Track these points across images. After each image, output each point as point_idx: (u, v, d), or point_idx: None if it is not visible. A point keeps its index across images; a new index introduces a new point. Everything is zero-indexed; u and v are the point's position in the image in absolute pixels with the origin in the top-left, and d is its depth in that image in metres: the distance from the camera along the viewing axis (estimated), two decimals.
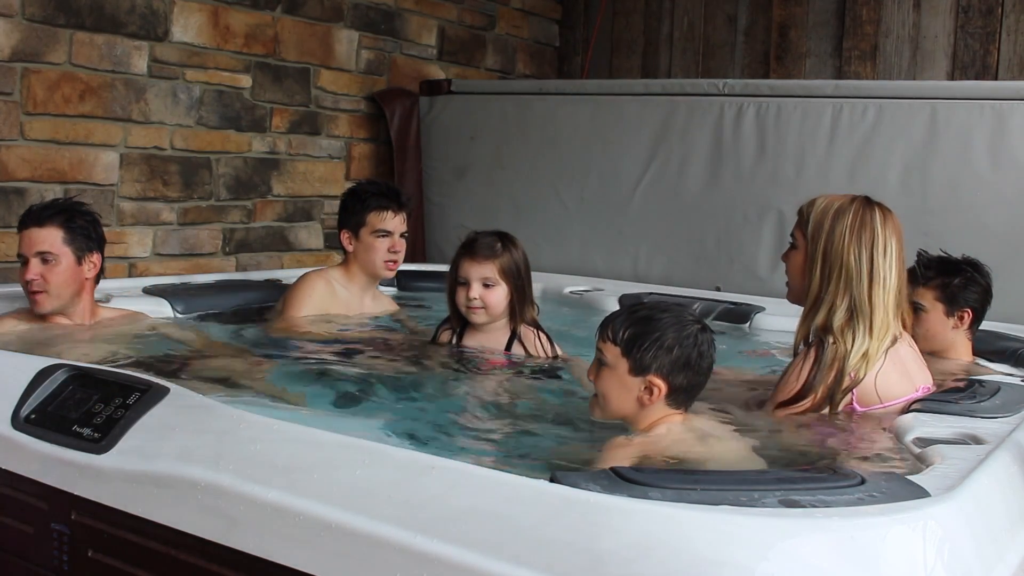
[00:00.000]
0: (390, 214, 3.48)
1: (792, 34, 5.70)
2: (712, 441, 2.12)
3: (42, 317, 3.02)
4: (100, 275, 3.13)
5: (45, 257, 2.94)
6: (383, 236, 3.47)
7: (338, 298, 3.51)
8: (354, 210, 3.50)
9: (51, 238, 2.94)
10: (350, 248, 3.52)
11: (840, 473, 1.57)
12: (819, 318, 2.37)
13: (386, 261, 3.50)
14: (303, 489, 1.63)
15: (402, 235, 3.52)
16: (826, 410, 2.31)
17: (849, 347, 2.31)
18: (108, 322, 3.16)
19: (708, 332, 2.15)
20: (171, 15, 4.35)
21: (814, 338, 2.38)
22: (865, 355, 2.31)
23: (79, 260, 2.99)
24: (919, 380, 2.42)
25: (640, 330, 2.11)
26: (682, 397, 2.12)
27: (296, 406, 2.42)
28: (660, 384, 2.08)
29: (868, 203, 2.41)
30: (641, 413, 2.12)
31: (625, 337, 2.12)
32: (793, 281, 2.50)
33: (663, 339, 2.09)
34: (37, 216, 2.97)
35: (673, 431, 2.09)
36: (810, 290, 2.40)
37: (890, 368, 2.34)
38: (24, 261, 2.96)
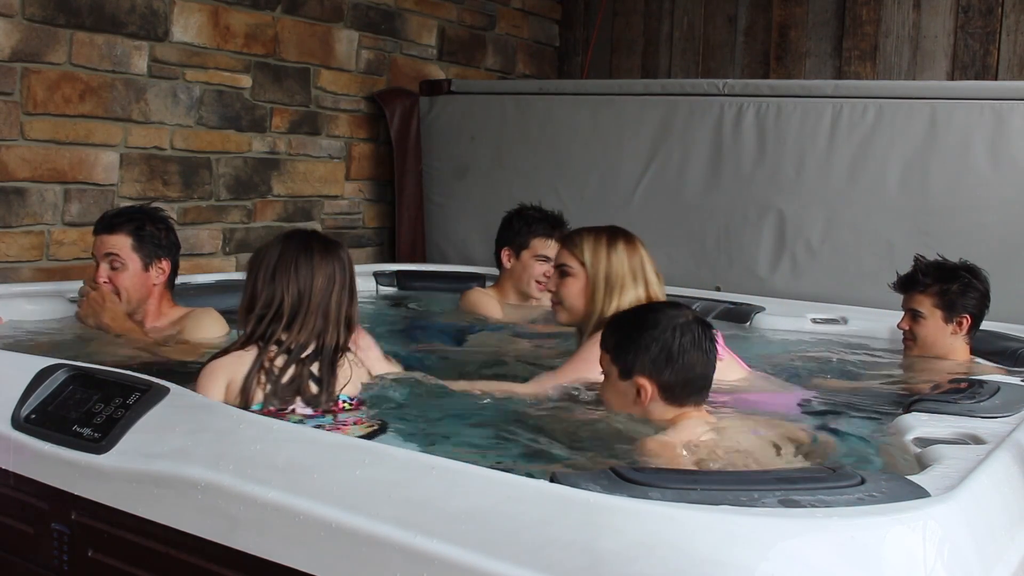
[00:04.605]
0: (553, 243, 3.77)
1: (792, 34, 5.70)
2: (731, 432, 2.11)
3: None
4: (173, 277, 3.22)
5: (113, 263, 3.07)
6: (542, 261, 3.80)
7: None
8: (519, 231, 3.84)
9: (120, 244, 3.08)
10: (508, 265, 3.86)
11: (840, 473, 1.57)
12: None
13: (539, 283, 3.81)
14: (303, 489, 1.63)
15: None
16: None
17: None
18: (175, 323, 3.20)
19: (695, 325, 2.11)
20: (171, 15, 4.35)
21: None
22: None
23: (146, 267, 3.11)
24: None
25: (622, 334, 2.15)
26: (679, 393, 2.11)
27: None
28: (646, 384, 2.10)
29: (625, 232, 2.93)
30: (650, 416, 2.12)
31: (612, 344, 2.16)
32: (574, 303, 2.83)
33: (640, 339, 2.11)
34: (109, 223, 3.12)
35: (688, 428, 2.08)
36: (589, 306, 2.79)
37: None
38: (96, 265, 3.11)
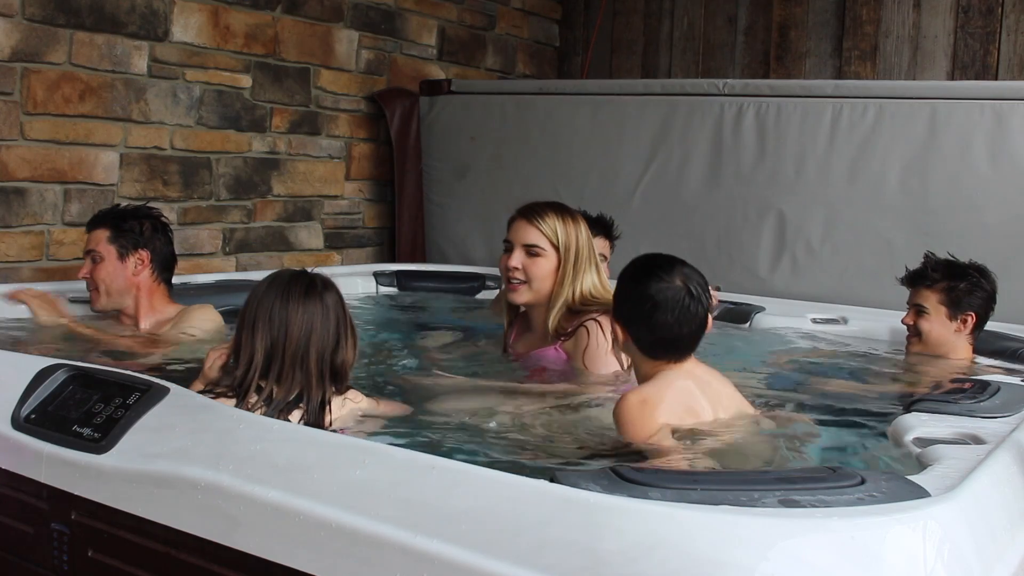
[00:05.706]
0: (605, 242, 3.83)
1: (792, 34, 5.70)
2: (704, 383, 2.17)
3: (105, 316, 3.17)
4: (165, 273, 3.22)
5: (93, 256, 3.12)
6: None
7: None
8: None
9: (98, 238, 3.12)
10: None
11: (840, 473, 1.57)
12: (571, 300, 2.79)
13: None
14: (303, 489, 1.63)
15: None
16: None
17: None
18: (171, 320, 3.20)
19: (679, 292, 2.10)
20: (171, 15, 4.35)
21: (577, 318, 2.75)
22: None
23: (122, 257, 3.11)
24: None
25: (623, 276, 2.23)
26: (650, 348, 2.16)
27: None
28: (619, 331, 2.20)
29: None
30: (634, 361, 2.24)
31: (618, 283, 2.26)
32: (543, 284, 2.82)
33: (624, 288, 2.20)
34: (93, 219, 3.19)
35: (665, 378, 2.15)
36: (558, 287, 2.80)
37: None
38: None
